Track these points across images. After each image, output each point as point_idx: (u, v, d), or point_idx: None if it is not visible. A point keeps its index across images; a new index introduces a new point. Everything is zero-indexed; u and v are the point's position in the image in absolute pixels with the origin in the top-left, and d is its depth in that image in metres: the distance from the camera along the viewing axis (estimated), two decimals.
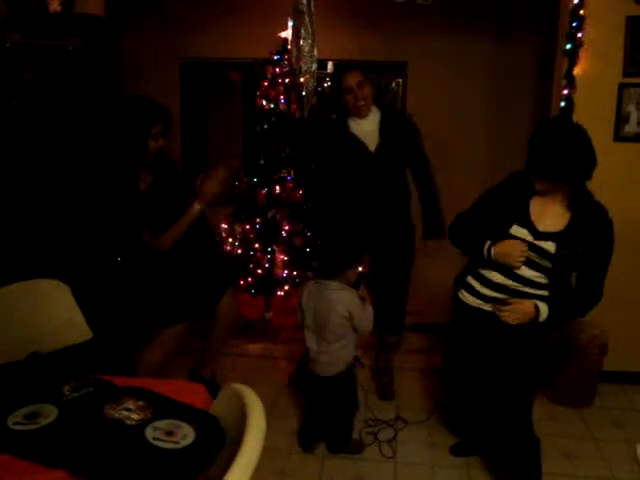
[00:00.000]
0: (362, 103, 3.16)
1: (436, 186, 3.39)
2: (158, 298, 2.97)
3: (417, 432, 3.28)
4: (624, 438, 3.26)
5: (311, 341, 2.99)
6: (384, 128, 3.24)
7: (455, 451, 3.08)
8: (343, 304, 2.86)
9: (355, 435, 3.17)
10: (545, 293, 2.47)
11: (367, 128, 3.23)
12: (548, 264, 2.42)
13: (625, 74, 3.46)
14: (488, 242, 2.48)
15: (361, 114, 3.21)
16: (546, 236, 2.42)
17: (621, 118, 3.50)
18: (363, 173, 3.29)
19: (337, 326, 2.89)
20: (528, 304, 2.44)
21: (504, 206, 2.52)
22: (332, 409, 3.07)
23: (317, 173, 3.63)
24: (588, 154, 2.32)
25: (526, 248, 2.40)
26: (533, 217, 2.46)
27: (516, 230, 2.46)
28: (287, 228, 4.33)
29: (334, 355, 2.95)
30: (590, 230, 2.39)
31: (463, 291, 2.68)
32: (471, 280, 2.65)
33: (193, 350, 3.38)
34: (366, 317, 2.94)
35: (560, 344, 3.55)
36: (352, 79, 3.13)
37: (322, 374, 2.99)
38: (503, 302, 2.49)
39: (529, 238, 2.43)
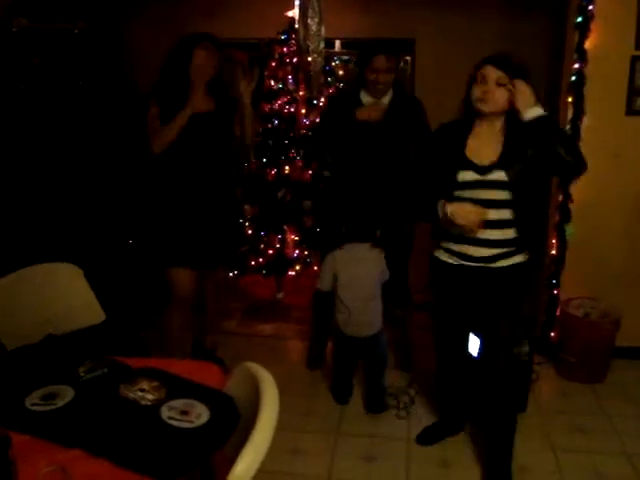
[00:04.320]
0: (381, 87, 3.22)
1: None
2: (166, 236, 3.12)
3: (429, 406, 3.31)
4: (637, 414, 3.26)
5: (349, 304, 3.13)
6: (391, 110, 3.25)
7: (422, 440, 3.02)
8: (379, 262, 3.17)
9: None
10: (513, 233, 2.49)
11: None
12: (508, 195, 2.42)
13: (637, 47, 3.42)
14: (442, 201, 2.45)
15: (376, 95, 3.26)
16: (491, 167, 2.42)
17: (633, 92, 3.46)
18: (363, 145, 3.31)
19: (374, 284, 3.16)
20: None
21: (443, 157, 2.51)
22: (371, 368, 3.31)
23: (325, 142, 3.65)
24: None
25: (485, 211, 2.40)
26: (471, 156, 2.46)
27: (463, 175, 2.45)
28: (297, 208, 4.33)
29: (372, 314, 3.19)
30: (528, 136, 2.38)
31: (441, 251, 2.66)
32: (445, 244, 2.63)
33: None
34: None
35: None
36: (383, 63, 3.14)
37: (361, 335, 3.19)
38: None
39: (476, 177, 2.43)
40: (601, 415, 3.26)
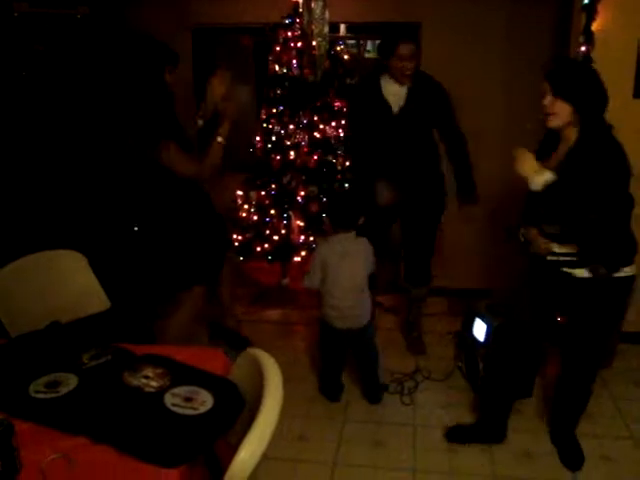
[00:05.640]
0: (408, 73, 3.27)
1: (469, 160, 3.49)
2: (173, 262, 3.02)
3: (435, 391, 3.32)
4: None
5: (340, 298, 3.05)
6: (412, 94, 3.33)
7: (451, 437, 2.95)
8: (367, 251, 3.09)
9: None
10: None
11: (396, 90, 3.34)
12: None
13: None
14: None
15: (402, 82, 3.31)
16: None
17: None
18: (384, 133, 3.39)
19: (364, 274, 3.08)
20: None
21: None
22: (365, 360, 3.24)
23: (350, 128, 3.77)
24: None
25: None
26: None
27: None
28: (302, 194, 4.31)
29: (363, 305, 3.12)
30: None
31: None
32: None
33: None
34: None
35: None
36: (409, 49, 3.22)
37: (354, 327, 3.11)
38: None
39: None
40: (608, 400, 3.26)
